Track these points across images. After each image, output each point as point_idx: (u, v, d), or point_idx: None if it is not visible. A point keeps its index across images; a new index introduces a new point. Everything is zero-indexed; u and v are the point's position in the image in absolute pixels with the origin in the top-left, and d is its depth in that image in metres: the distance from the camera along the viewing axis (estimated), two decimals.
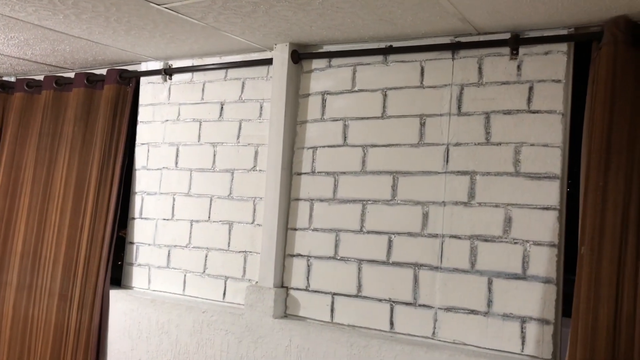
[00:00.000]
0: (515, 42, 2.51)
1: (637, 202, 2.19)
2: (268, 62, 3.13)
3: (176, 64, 3.54)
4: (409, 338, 2.64)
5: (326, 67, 3.01)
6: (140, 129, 3.66)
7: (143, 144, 3.64)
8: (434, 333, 2.60)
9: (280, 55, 3.03)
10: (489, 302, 2.50)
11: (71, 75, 3.87)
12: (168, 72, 3.52)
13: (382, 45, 2.85)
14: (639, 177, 2.19)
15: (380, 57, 2.86)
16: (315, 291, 2.91)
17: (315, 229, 2.94)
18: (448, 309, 2.58)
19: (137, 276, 3.56)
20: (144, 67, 3.64)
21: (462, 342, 2.53)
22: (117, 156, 3.58)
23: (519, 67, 2.54)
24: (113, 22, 2.82)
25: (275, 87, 3.05)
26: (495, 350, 2.46)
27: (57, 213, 3.71)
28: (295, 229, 3.00)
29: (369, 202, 2.81)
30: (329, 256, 2.89)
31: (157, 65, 3.59)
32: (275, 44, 3.04)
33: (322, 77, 3.01)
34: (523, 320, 2.42)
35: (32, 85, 4.02)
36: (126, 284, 3.61)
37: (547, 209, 2.42)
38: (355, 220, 2.83)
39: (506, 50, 2.56)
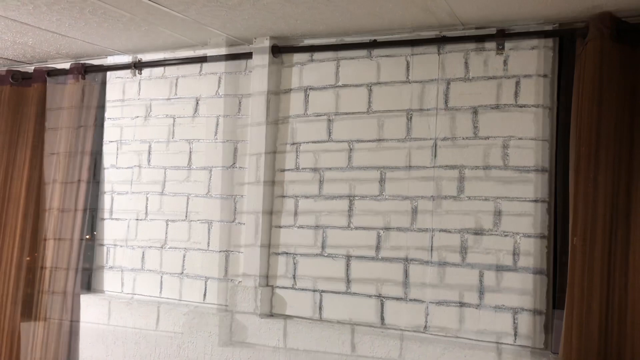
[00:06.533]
0: (502, 36, 2.54)
1: (625, 193, 2.26)
2: (246, 56, 3.05)
3: (144, 57, 3.40)
4: (401, 333, 2.64)
5: (308, 62, 2.96)
6: (109, 126, 3.50)
7: (112, 141, 3.49)
8: (425, 327, 2.61)
9: (260, 49, 2.96)
10: (481, 295, 2.52)
11: (29, 69, 3.67)
12: (138, 66, 3.38)
13: (366, 39, 2.83)
14: (626, 169, 2.27)
15: (364, 52, 2.83)
16: (303, 289, 2.87)
17: (301, 226, 2.89)
18: (439, 303, 2.59)
19: (109, 279, 3.41)
20: (110, 61, 3.48)
21: (454, 335, 2.55)
22: (84, 155, 3.41)
23: (505, 62, 2.57)
24: (87, 13, 2.67)
25: (255, 82, 2.97)
26: (488, 342, 2.49)
27: (19, 216, 3.50)
28: (280, 227, 2.94)
29: (357, 197, 2.78)
30: (315, 253, 2.85)
31: (124, 59, 3.44)
32: (255, 38, 2.97)
33: (304, 72, 2.96)
34: (515, 311, 2.46)
35: None
36: (97, 288, 3.46)
37: (536, 201, 2.46)
38: (343, 217, 2.81)
39: (492, 45, 2.59)
